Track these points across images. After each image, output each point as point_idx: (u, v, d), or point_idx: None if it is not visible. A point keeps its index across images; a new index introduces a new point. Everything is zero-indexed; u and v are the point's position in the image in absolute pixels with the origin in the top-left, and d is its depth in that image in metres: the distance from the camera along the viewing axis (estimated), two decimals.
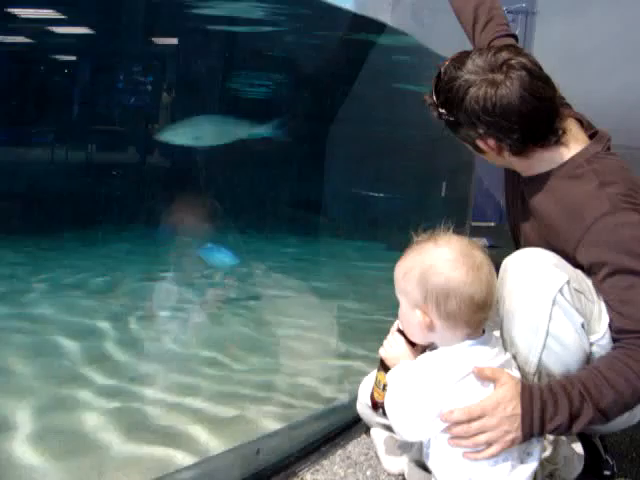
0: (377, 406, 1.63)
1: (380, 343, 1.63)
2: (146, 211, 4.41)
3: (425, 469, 1.73)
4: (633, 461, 1.98)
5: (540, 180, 1.68)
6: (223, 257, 3.49)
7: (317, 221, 4.96)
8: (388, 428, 1.88)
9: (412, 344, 1.55)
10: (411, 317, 1.49)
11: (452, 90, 1.59)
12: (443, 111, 1.64)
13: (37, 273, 3.98)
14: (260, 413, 2.20)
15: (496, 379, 1.45)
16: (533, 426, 1.44)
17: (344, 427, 2.12)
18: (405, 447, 1.80)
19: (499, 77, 1.54)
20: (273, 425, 2.11)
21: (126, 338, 2.89)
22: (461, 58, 1.61)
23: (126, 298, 3.50)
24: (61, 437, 1.99)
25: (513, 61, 1.54)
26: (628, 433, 2.07)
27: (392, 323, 1.63)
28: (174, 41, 6.00)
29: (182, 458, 1.91)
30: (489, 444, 1.45)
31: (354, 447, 2.00)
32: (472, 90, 1.55)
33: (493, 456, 1.46)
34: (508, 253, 1.66)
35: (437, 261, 1.45)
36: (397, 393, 1.49)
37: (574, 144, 1.65)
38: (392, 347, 1.57)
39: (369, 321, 3.21)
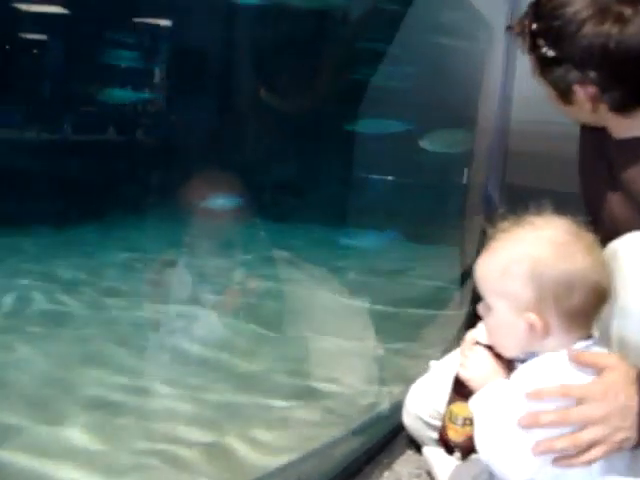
0: (451, 446, 1.35)
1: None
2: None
3: None
4: None
5: (637, 144, 1.40)
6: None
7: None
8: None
9: (498, 358, 1.27)
10: (514, 324, 1.20)
11: (562, 18, 1.30)
12: (542, 42, 1.34)
13: None
14: (287, 431, 1.93)
15: (604, 365, 1.15)
16: None
17: (385, 442, 1.85)
18: (472, 470, 1.53)
19: (627, 12, 1.25)
20: (304, 444, 1.83)
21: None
22: None
23: None
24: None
25: None
26: None
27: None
28: None
29: None
30: (591, 445, 1.13)
31: (402, 467, 1.73)
32: (590, 23, 1.27)
33: (594, 461, 1.14)
34: None
35: (548, 248, 1.17)
36: (498, 425, 1.20)
37: None
38: (476, 366, 1.27)
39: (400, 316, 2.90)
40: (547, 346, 1.20)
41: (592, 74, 1.31)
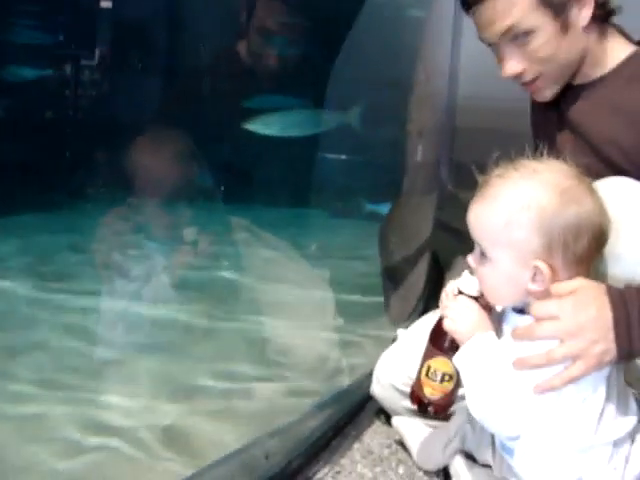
0: (425, 404, 1.31)
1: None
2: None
3: (474, 460, 1.45)
4: None
5: (589, 89, 1.47)
6: None
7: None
8: (416, 414, 1.58)
9: (484, 309, 1.23)
10: (517, 274, 1.16)
11: None
12: None
13: None
14: (249, 405, 1.85)
15: (574, 287, 1.15)
16: (632, 336, 1.11)
17: (352, 414, 1.81)
18: (443, 437, 1.50)
19: None
20: (268, 420, 1.77)
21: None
22: None
23: None
24: None
25: None
26: None
27: None
28: None
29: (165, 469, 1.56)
30: (568, 360, 1.12)
31: (371, 438, 1.69)
32: None
33: (577, 378, 1.12)
34: None
35: (553, 193, 1.14)
36: (490, 380, 1.17)
37: (624, 47, 1.46)
38: (462, 316, 1.22)
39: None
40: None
41: None
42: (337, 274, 2.75)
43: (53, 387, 1.91)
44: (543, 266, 1.14)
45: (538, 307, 1.17)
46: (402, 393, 1.61)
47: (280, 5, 3.40)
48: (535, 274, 1.16)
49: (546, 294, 1.17)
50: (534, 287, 1.17)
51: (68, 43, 5.47)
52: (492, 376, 1.17)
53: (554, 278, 1.16)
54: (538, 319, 1.17)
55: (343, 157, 4.38)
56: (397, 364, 1.65)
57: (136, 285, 2.48)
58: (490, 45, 1.49)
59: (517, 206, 1.15)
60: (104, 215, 2.61)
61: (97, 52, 4.91)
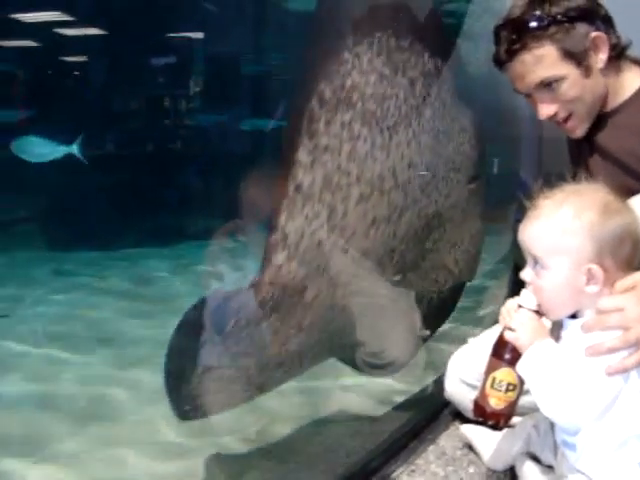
0: (489, 415, 1.42)
1: None
2: None
3: (538, 461, 1.55)
4: None
5: (611, 116, 1.66)
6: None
7: None
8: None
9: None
10: (574, 277, 1.31)
11: None
12: (542, 12, 1.58)
13: None
14: (331, 408, 2.03)
15: (634, 283, 1.29)
16: None
17: (430, 419, 1.94)
18: (510, 439, 1.61)
19: None
20: (350, 421, 1.94)
21: None
22: None
23: None
24: None
25: None
26: None
27: None
28: None
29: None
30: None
31: (446, 441, 1.81)
32: None
33: None
34: None
35: (598, 207, 1.31)
36: (556, 379, 1.29)
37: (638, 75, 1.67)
38: (523, 326, 1.35)
39: None
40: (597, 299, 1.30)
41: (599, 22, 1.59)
42: None
43: None
44: (597, 269, 1.29)
45: (604, 301, 1.30)
46: (471, 387, 1.72)
47: None
48: (589, 278, 1.30)
49: (600, 296, 1.30)
50: (591, 289, 1.30)
51: None
52: (559, 372, 1.29)
53: (606, 280, 1.29)
54: (604, 312, 1.30)
55: None
56: (467, 361, 1.78)
57: None
58: (524, 95, 1.67)
59: (569, 217, 1.31)
60: None
61: None
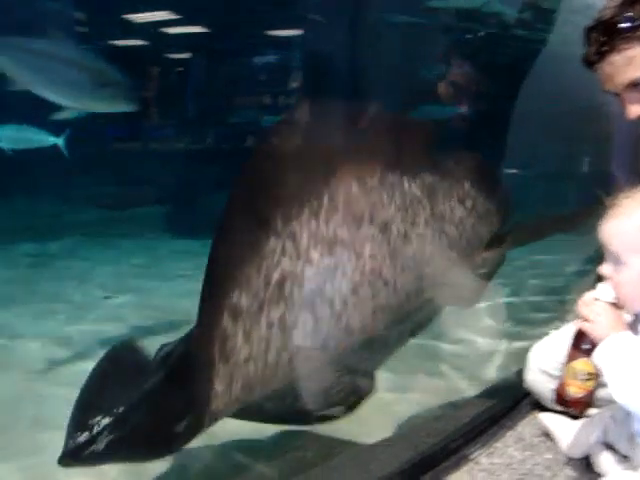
0: (569, 403, 1.51)
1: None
2: None
3: (614, 451, 1.61)
4: None
5: None
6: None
7: None
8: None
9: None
10: None
11: None
12: (633, 14, 1.58)
13: None
14: (417, 394, 2.14)
15: None
16: None
17: (509, 407, 2.02)
18: (588, 428, 1.67)
19: None
20: (434, 406, 2.05)
21: None
22: None
23: None
24: None
25: None
26: None
27: None
28: None
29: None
30: None
31: (524, 428, 1.89)
32: None
33: None
34: None
35: None
36: (632, 368, 1.36)
37: None
38: (600, 318, 1.43)
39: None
40: None
41: None
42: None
43: None
44: None
45: None
46: (550, 376, 1.79)
47: None
48: None
49: None
50: None
51: None
52: (635, 362, 1.35)
53: None
54: None
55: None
56: (548, 352, 1.85)
57: None
58: (614, 94, 1.69)
59: None
60: None
61: None
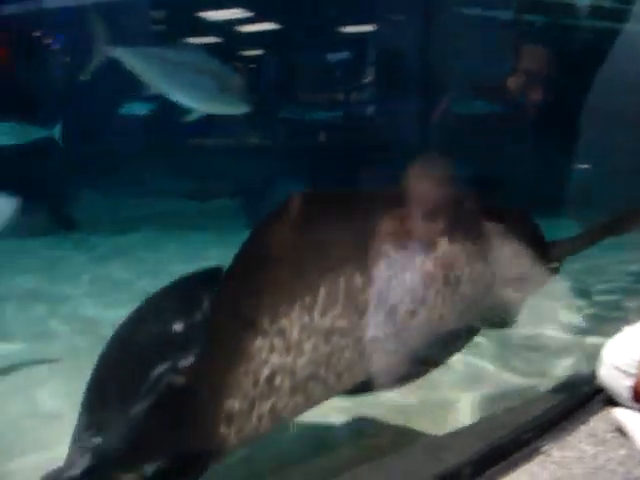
0: None
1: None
2: None
3: None
4: None
5: None
6: None
7: None
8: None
9: None
10: None
11: None
12: None
13: None
14: (489, 387, 2.17)
15: None
16: None
17: (581, 402, 2.02)
18: None
19: None
20: (506, 399, 2.08)
21: None
22: None
23: None
24: None
25: None
26: None
27: None
28: None
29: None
30: None
31: (596, 423, 1.90)
32: None
33: None
34: None
35: None
36: None
37: None
38: None
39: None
40: None
41: None
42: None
43: None
44: None
45: None
46: (624, 373, 1.80)
47: None
48: None
49: None
50: None
51: None
52: None
53: None
54: None
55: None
56: (622, 348, 1.85)
57: None
58: None
59: None
60: None
61: None
